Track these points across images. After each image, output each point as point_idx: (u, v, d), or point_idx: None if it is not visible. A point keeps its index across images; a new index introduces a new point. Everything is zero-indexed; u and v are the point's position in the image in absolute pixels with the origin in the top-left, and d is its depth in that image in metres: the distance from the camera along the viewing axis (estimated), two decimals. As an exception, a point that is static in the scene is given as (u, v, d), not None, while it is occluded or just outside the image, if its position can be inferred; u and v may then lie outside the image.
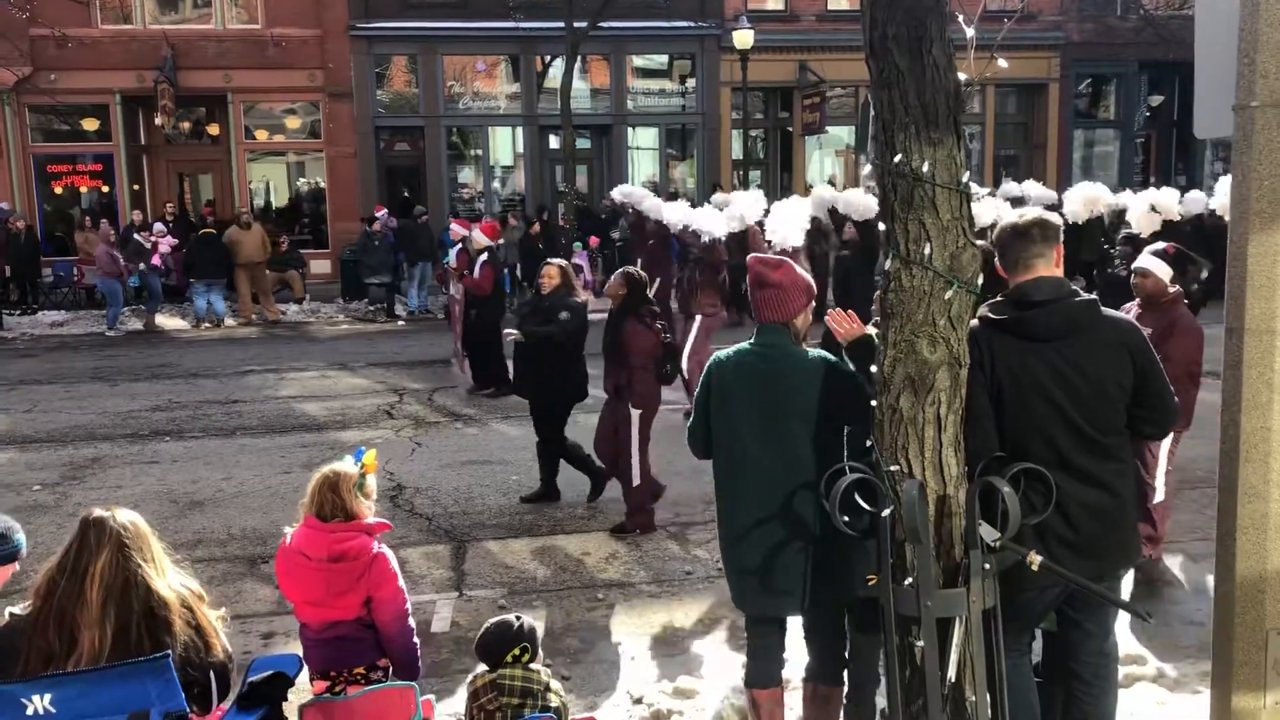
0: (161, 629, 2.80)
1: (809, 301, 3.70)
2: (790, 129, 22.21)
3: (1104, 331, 3.24)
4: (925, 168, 3.13)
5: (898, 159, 3.16)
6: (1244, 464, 3.65)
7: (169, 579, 2.90)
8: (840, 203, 13.78)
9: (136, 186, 20.74)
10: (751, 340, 3.72)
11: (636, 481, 6.67)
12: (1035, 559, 3.02)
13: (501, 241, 13.48)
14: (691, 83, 22.14)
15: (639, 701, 4.63)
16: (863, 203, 12.92)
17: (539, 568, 6.29)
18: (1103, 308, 3.30)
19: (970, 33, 3.25)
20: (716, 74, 21.55)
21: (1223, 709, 3.68)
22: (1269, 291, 3.57)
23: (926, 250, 3.16)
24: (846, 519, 3.17)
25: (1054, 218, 3.40)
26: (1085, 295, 3.30)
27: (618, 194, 14.50)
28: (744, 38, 19.30)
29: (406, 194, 21.21)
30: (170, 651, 2.69)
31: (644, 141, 22.89)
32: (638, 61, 22.36)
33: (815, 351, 3.70)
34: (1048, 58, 21.07)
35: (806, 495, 3.53)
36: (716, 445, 3.73)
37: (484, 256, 11.03)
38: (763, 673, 3.81)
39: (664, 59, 22.52)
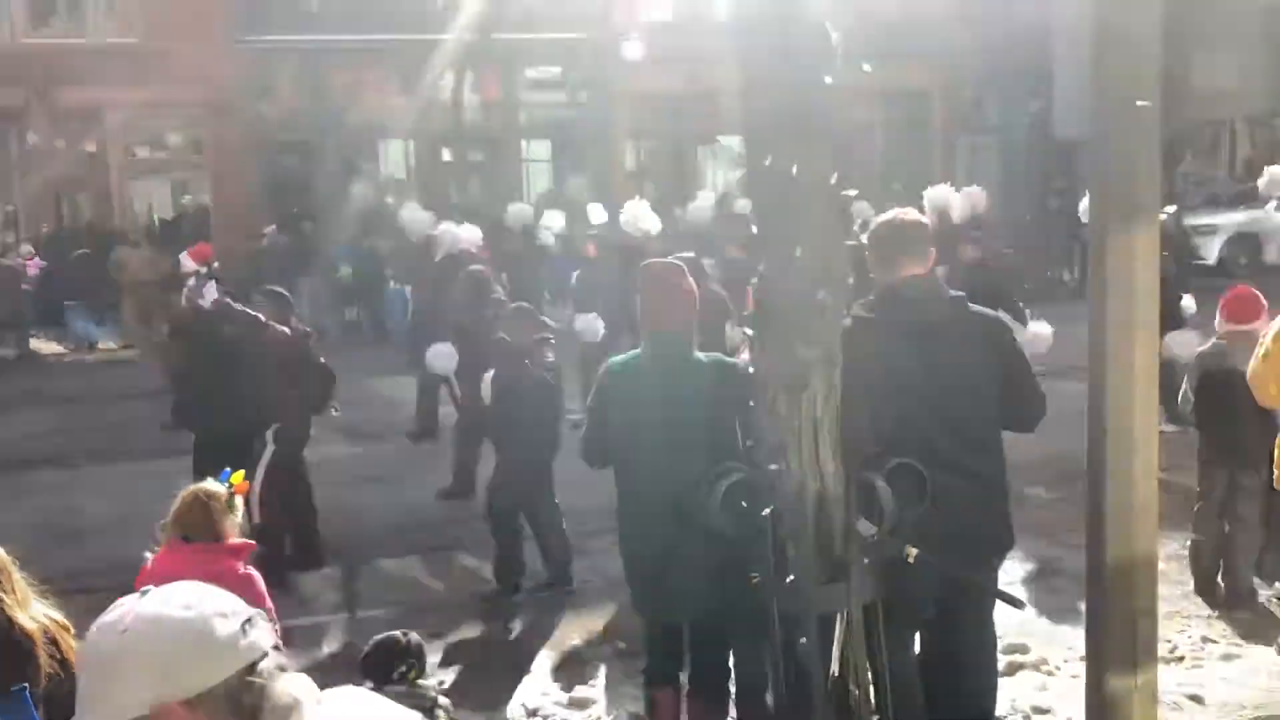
0: (23, 661, 2.67)
1: (696, 308, 3.74)
2: (685, 139, 22.39)
3: (972, 327, 3.33)
4: (794, 170, 3.18)
5: (768, 162, 3.20)
6: (1110, 452, 3.79)
7: (32, 610, 2.77)
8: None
9: (11, 207, 19.89)
10: (644, 347, 3.73)
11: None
12: (912, 552, 3.08)
13: (215, 265, 10.43)
14: (584, 94, 22.16)
15: (534, 714, 4.59)
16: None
17: (435, 582, 6.20)
18: (971, 305, 3.39)
19: (835, 37, 3.31)
20: (609, 85, 21.61)
21: (1097, 690, 3.79)
22: (1128, 286, 3.71)
23: (799, 252, 3.20)
24: (730, 520, 3.19)
25: (923, 219, 3.49)
26: (954, 293, 3.38)
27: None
28: (634, 48, 19.41)
29: (296, 210, 20.77)
30: (28, 684, 2.56)
31: (538, 154, 22.81)
32: (530, 73, 22.29)
33: (709, 355, 3.72)
34: (933, 66, 21.57)
35: (698, 497, 3.54)
36: (614, 453, 3.73)
37: (201, 283, 7.58)
38: (661, 675, 3.82)
39: (557, 70, 22.49)
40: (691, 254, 5.46)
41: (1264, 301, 5.37)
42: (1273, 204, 11.67)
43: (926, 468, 3.24)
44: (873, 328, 3.34)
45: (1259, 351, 4.58)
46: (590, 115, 21.99)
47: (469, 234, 10.11)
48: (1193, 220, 18.56)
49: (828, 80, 3.25)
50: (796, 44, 3.17)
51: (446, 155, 21.36)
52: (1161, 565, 6.07)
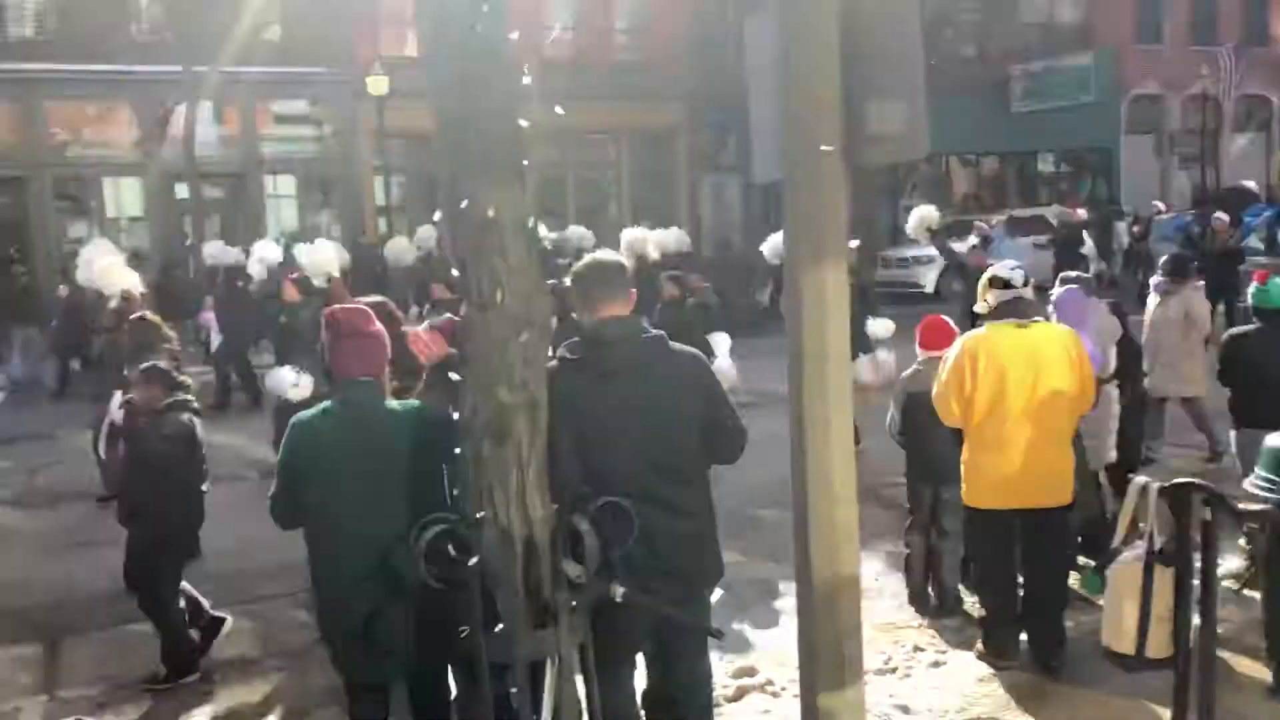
0: None
1: (388, 353, 3.64)
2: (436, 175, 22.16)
3: (673, 366, 3.41)
4: (491, 212, 3.16)
5: (464, 204, 3.17)
6: (811, 478, 3.97)
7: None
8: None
9: None
10: (336, 399, 3.59)
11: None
12: (618, 591, 3.10)
13: None
14: (329, 129, 21.57)
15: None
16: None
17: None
18: (672, 343, 3.47)
19: (527, 80, 3.33)
20: (355, 120, 21.13)
21: (810, 709, 3.95)
22: (820, 321, 3.91)
23: (499, 295, 3.18)
24: (437, 570, 3.11)
25: (622, 260, 3.55)
26: (654, 332, 3.45)
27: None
28: (379, 84, 19.08)
29: (10, 252, 19.10)
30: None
31: (283, 189, 22.00)
32: (275, 108, 21.49)
33: (406, 403, 3.62)
34: (673, 106, 22.37)
35: (405, 551, 3.44)
36: (308, 511, 3.56)
37: None
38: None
39: (301, 105, 21.79)
40: (381, 298, 5.15)
41: (955, 329, 5.80)
42: (973, 238, 12.75)
43: (635, 505, 3.28)
44: (577, 369, 3.36)
45: (939, 375, 4.96)
46: (337, 151, 21.42)
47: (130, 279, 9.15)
48: (913, 251, 20.12)
49: (523, 123, 3.26)
50: (490, 85, 3.16)
51: (182, 192, 20.21)
52: (882, 579, 6.48)
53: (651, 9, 22.25)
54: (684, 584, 3.43)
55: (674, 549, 3.40)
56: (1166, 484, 3.75)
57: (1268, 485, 4.56)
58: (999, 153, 27.60)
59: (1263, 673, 4.72)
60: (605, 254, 3.61)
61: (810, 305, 3.90)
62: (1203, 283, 9.10)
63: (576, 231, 16.79)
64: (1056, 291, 6.03)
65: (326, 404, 3.58)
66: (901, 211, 21.11)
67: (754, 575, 6.43)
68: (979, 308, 5.03)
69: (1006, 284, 4.84)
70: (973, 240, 12.40)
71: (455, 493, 3.26)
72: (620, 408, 3.33)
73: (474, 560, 3.12)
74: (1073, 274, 6.86)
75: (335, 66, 20.72)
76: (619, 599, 3.11)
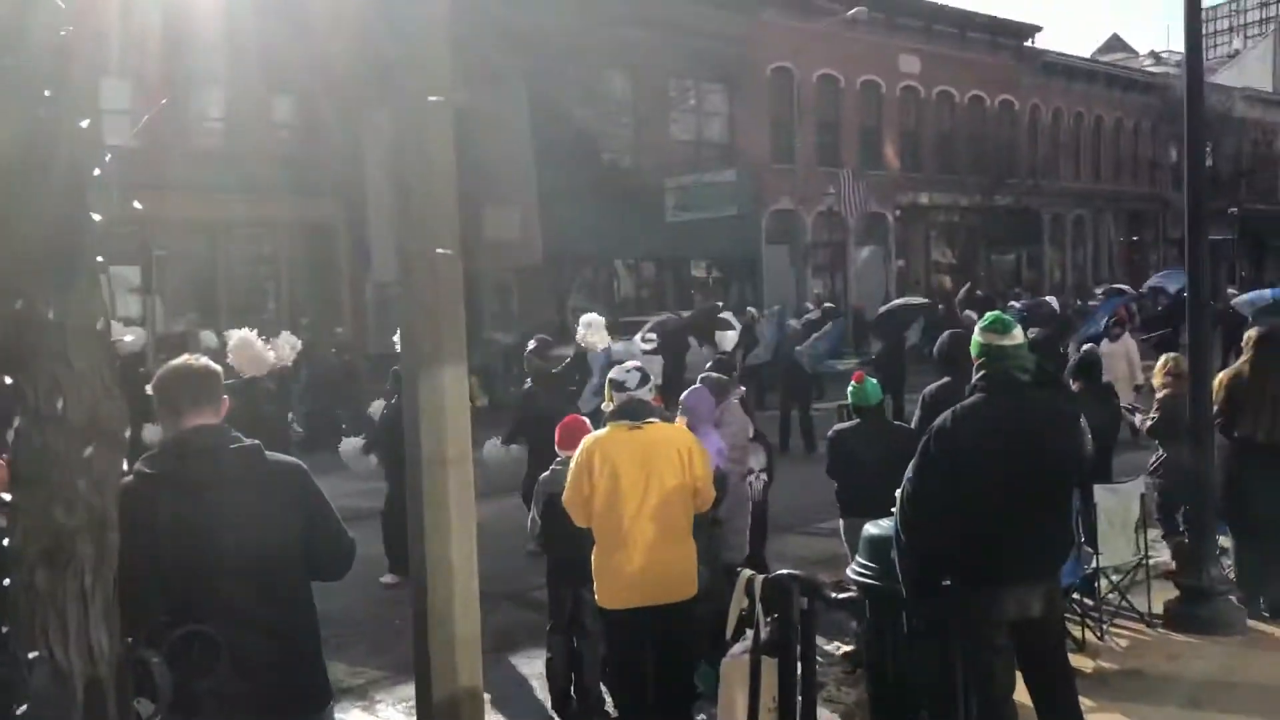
0: None
1: None
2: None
3: (267, 477, 3.19)
4: (51, 314, 2.84)
5: (19, 304, 2.83)
6: (431, 590, 3.84)
7: None
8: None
9: None
10: None
11: None
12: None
13: None
14: None
15: None
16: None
17: None
18: (268, 453, 3.25)
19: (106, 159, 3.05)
20: None
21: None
22: (438, 423, 3.83)
23: (60, 404, 2.85)
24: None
25: (215, 367, 3.30)
26: (247, 442, 3.22)
27: None
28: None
29: None
30: None
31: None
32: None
33: None
34: (330, 201, 21.80)
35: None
36: None
37: None
38: None
39: None
40: None
41: (590, 429, 5.91)
42: (637, 338, 13.30)
43: (225, 629, 3.01)
44: (157, 484, 3.06)
45: (569, 477, 5.02)
46: None
47: None
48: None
49: (96, 217, 2.98)
50: (49, 174, 2.87)
51: None
52: (526, 686, 6.39)
53: (307, 103, 21.78)
54: (279, 711, 3.16)
55: (268, 676, 3.13)
56: (770, 575, 3.94)
57: (865, 572, 4.93)
58: (656, 258, 29.17)
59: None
60: (194, 359, 3.34)
61: (428, 408, 3.82)
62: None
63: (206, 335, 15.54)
64: (686, 392, 6.33)
65: None
66: (570, 312, 21.69)
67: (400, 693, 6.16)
68: (605, 407, 5.15)
69: (622, 385, 5.00)
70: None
71: (4, 631, 2.83)
72: (208, 524, 3.06)
73: (23, 709, 2.72)
74: (711, 374, 7.24)
75: None
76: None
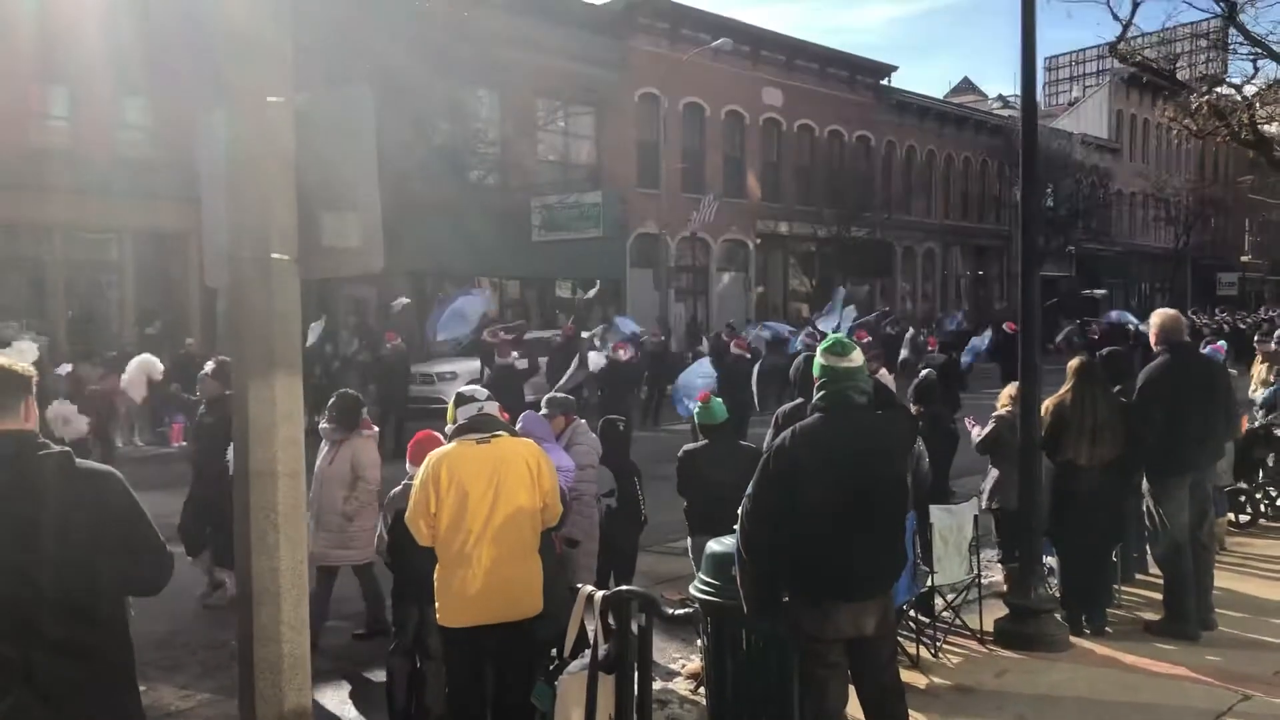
0: None
1: None
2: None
3: (72, 485, 2.99)
4: None
5: None
6: (257, 607, 3.70)
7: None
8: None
9: None
10: None
11: None
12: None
13: None
14: None
15: None
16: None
17: None
18: (80, 462, 3.07)
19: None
20: None
21: None
22: (268, 435, 3.70)
23: None
24: None
25: (15, 367, 3.10)
26: (55, 449, 3.04)
27: None
28: None
29: None
30: None
31: None
32: None
33: None
34: (185, 208, 21.01)
35: None
36: None
37: None
38: None
39: None
40: None
41: (441, 442, 5.82)
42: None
43: (23, 651, 2.83)
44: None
45: (412, 493, 4.93)
46: None
47: None
48: (440, 368, 20.55)
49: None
50: None
51: None
52: (364, 704, 6.21)
53: (158, 104, 20.95)
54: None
55: (73, 699, 2.95)
56: (608, 591, 3.93)
57: (706, 588, 4.98)
58: (522, 277, 29.06)
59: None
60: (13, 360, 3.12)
61: (258, 418, 3.70)
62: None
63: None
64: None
65: None
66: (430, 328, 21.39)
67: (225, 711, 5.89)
68: (448, 426, 5.06)
69: (470, 399, 4.93)
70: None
71: None
72: (3, 538, 2.86)
73: None
74: (557, 395, 7.22)
75: None
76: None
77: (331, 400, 7.37)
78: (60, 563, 2.94)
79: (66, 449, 3.06)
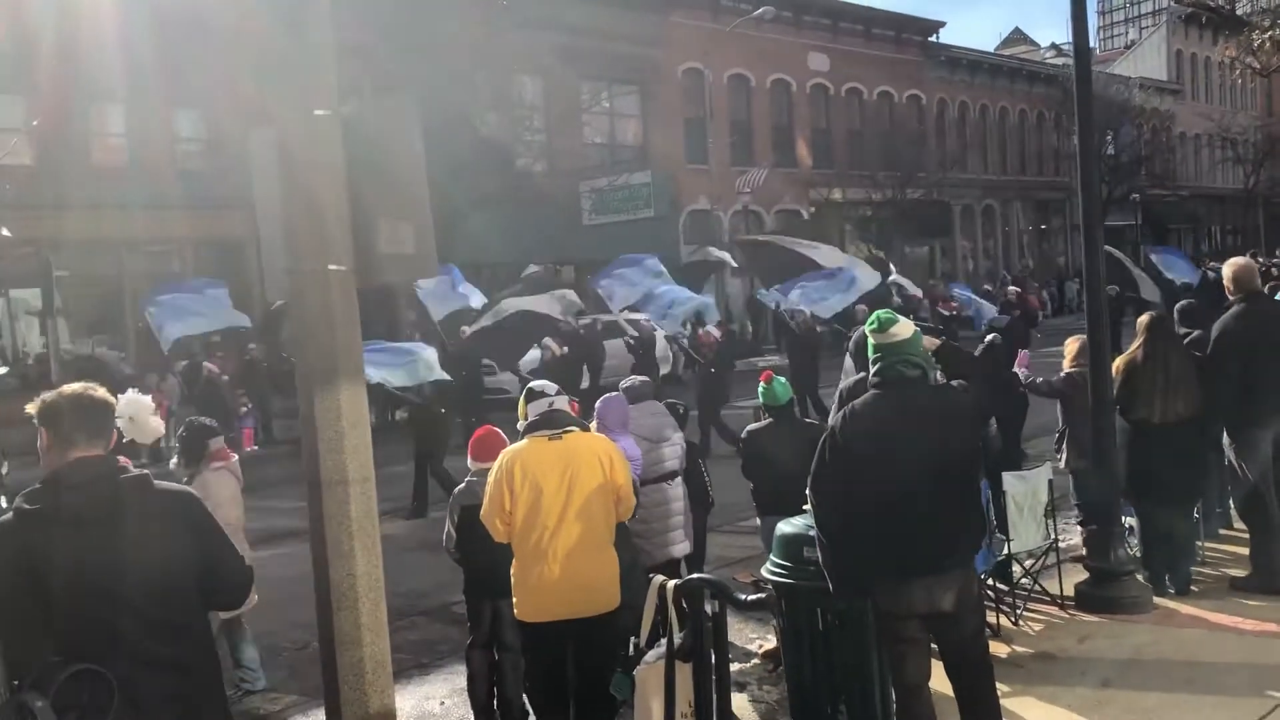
0: None
1: None
2: None
3: (155, 506, 3.08)
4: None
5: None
6: (337, 613, 3.77)
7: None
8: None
9: None
10: None
11: None
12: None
13: None
14: None
15: None
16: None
17: None
18: (158, 482, 3.15)
19: None
20: None
21: None
22: (337, 445, 3.76)
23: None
24: None
25: (110, 399, 3.18)
26: (135, 472, 3.12)
27: None
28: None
29: None
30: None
31: None
32: None
33: None
34: (242, 216, 21.34)
35: None
36: None
37: None
38: None
39: None
40: None
41: (505, 440, 5.85)
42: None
43: (120, 666, 2.91)
44: (38, 520, 2.94)
45: (487, 490, 4.96)
46: None
47: None
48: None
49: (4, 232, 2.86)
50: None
51: None
52: (449, 701, 6.31)
53: (211, 116, 21.30)
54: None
55: (169, 710, 3.04)
56: (680, 581, 3.94)
57: (778, 570, 4.96)
58: (576, 261, 29.12)
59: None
60: (90, 388, 3.19)
61: (326, 430, 3.75)
62: None
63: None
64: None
65: None
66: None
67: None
68: (519, 424, 5.08)
69: (540, 394, 4.96)
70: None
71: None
72: (94, 560, 2.95)
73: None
74: (636, 379, 7.15)
75: None
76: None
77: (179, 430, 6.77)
78: (150, 581, 3.02)
79: (145, 472, 3.14)
